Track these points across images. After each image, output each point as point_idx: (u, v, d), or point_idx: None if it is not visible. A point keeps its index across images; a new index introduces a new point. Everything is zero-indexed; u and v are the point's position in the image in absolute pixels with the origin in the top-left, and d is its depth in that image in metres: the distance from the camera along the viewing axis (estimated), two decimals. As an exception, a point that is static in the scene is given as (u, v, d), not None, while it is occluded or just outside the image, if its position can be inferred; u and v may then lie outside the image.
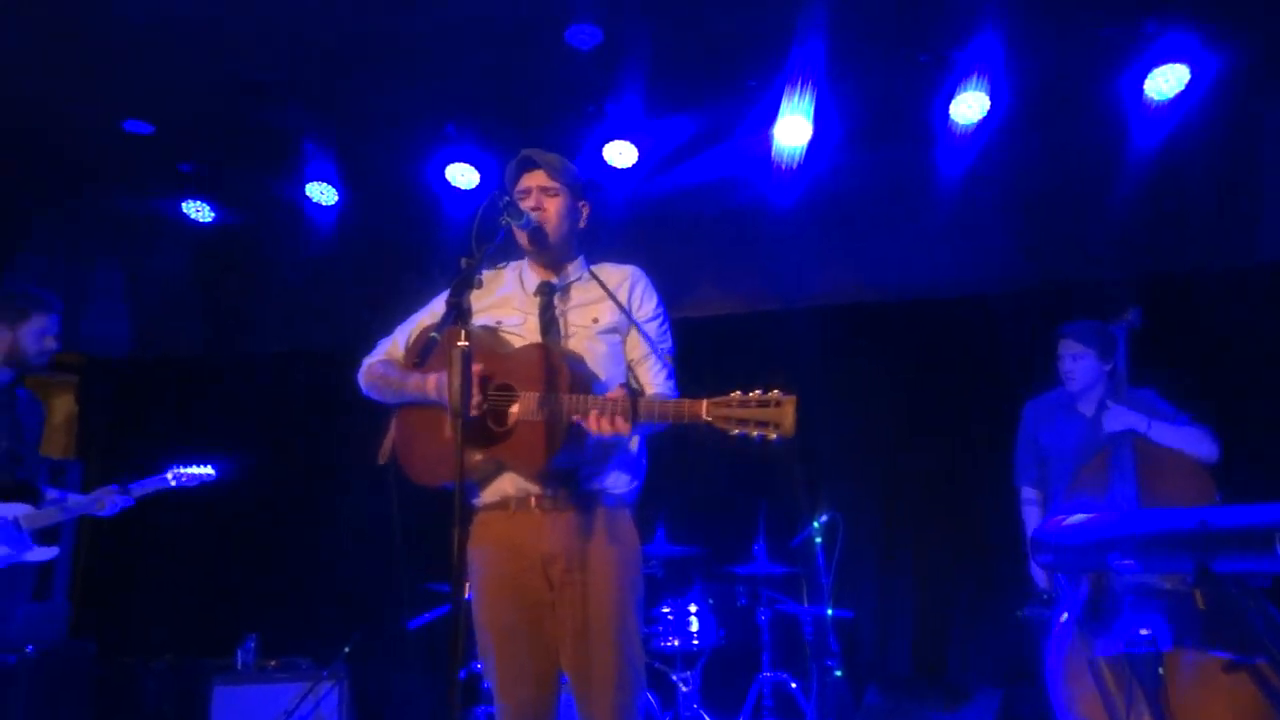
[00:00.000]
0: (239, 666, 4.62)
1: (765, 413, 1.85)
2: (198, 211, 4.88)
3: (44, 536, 3.29)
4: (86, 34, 3.68)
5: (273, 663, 4.64)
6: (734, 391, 1.88)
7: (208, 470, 3.70)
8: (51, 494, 3.39)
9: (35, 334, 3.28)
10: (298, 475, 5.36)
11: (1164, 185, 4.28)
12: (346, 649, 4.52)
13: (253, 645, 4.70)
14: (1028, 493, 3.59)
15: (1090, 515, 2.37)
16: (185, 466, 3.65)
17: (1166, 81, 3.86)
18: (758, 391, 1.87)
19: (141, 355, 5.78)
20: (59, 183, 4.79)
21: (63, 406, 5.66)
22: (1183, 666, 2.67)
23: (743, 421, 1.86)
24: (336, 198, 4.80)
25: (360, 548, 5.06)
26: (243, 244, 5.25)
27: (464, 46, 3.88)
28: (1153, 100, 3.93)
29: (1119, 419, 3.12)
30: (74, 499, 3.40)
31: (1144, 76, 3.88)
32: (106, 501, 3.41)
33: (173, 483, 3.61)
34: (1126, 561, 2.11)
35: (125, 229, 5.30)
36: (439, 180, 4.60)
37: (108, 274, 5.52)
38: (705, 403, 1.91)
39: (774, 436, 1.85)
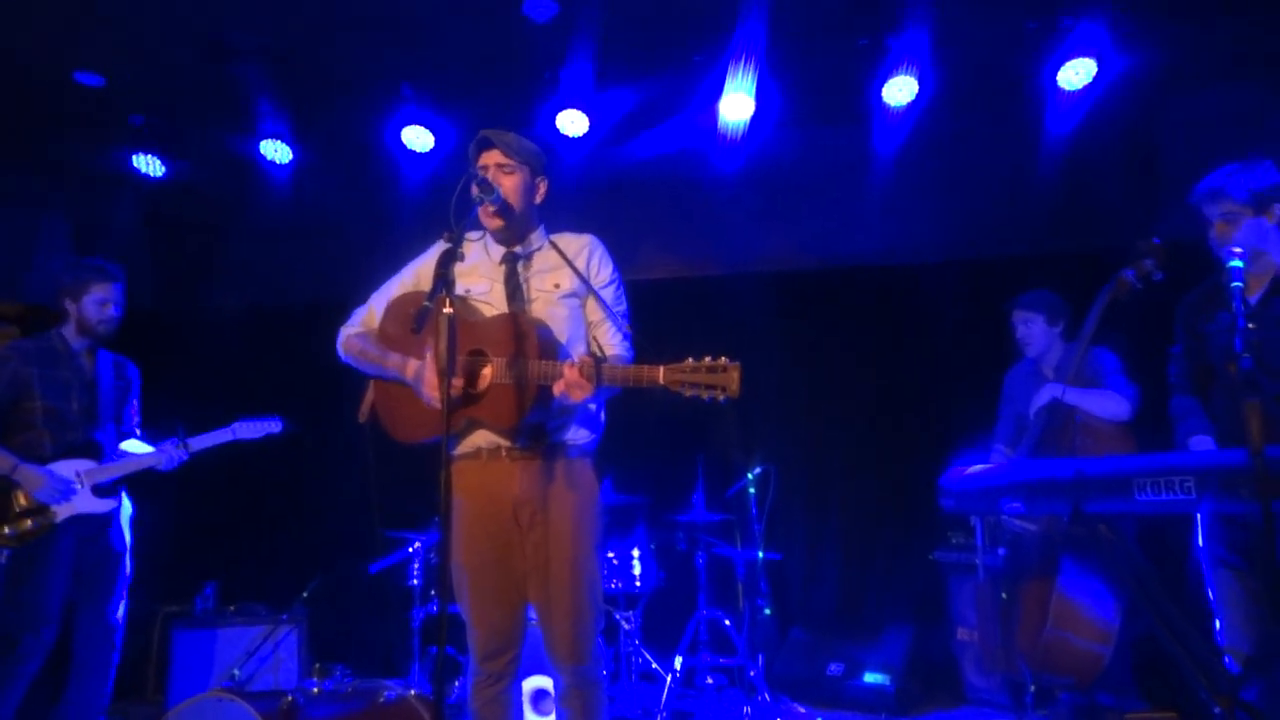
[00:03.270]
0: (197, 613, 4.77)
1: (714, 377, 2.12)
2: (149, 165, 4.87)
3: (104, 491, 3.34)
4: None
5: (231, 608, 4.81)
6: (687, 359, 2.15)
7: (272, 424, 3.61)
8: (117, 450, 3.42)
9: (95, 303, 3.31)
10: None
11: (1074, 169, 4.59)
12: (304, 594, 4.73)
13: (211, 592, 4.86)
14: (997, 451, 3.72)
15: (988, 465, 2.72)
16: (249, 420, 3.58)
17: (1077, 74, 4.19)
18: (708, 359, 2.14)
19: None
20: (6, 134, 4.74)
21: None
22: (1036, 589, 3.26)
23: (695, 385, 2.14)
24: (291, 156, 4.85)
25: (317, 499, 5.22)
26: (194, 200, 5.24)
27: (423, 11, 3.97)
28: (1064, 90, 4.26)
29: (1045, 393, 3.37)
30: (137, 455, 3.41)
31: (1058, 68, 4.17)
32: (164, 457, 3.41)
33: (233, 436, 3.55)
34: (1014, 504, 2.46)
35: (72, 181, 5.26)
36: (395, 142, 4.67)
37: (54, 224, 5.47)
38: (662, 369, 2.18)
39: (721, 398, 2.13)
